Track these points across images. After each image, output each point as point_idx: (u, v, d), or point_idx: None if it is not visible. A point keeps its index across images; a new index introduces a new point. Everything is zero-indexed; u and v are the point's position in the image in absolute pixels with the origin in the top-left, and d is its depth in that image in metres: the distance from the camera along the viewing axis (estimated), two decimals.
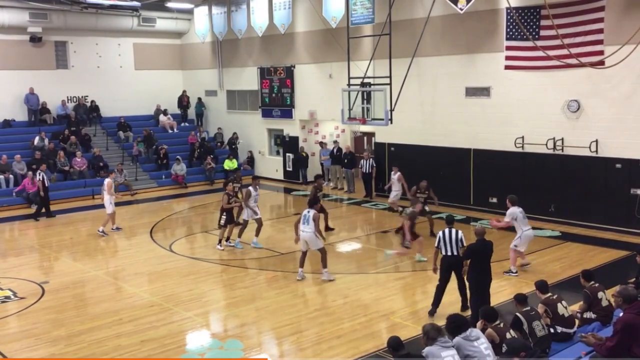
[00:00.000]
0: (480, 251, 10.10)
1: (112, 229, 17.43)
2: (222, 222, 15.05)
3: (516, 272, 12.69)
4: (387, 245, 15.54)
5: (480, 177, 18.53)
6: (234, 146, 26.20)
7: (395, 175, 18.07)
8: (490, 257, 10.27)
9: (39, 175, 19.60)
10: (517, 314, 8.20)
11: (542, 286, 8.93)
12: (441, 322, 7.52)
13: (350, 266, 14.23)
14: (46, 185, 19.65)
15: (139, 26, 26.80)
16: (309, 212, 12.54)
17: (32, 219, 19.37)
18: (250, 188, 15.28)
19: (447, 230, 10.71)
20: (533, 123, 17.15)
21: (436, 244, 10.79)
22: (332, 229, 16.81)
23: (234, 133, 26.40)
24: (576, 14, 15.85)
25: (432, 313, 10.59)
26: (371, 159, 20.71)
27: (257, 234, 15.29)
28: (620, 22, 15.20)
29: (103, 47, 26.71)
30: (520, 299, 8.46)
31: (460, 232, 10.72)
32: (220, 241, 15.19)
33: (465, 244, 10.52)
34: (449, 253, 10.60)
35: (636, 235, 15.25)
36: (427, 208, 15.84)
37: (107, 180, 17.33)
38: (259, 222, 15.32)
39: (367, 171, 20.99)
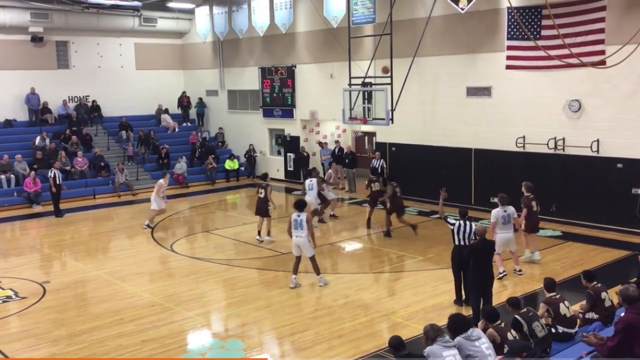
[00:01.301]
0: (481, 251, 10.14)
1: (145, 225, 17.71)
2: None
3: (504, 272, 12.41)
4: (387, 246, 15.53)
5: (481, 177, 18.52)
6: (248, 156, 26.00)
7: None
8: (492, 257, 10.34)
9: (51, 172, 19.69)
10: (516, 316, 8.19)
11: (548, 284, 8.93)
12: (444, 321, 7.53)
13: (351, 266, 14.24)
14: (58, 183, 19.71)
15: (140, 26, 26.80)
16: (299, 216, 12.00)
17: (53, 216, 19.54)
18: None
19: (462, 222, 10.99)
20: (534, 123, 17.15)
21: (450, 227, 11.11)
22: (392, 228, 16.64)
23: (250, 144, 26.08)
24: (577, 13, 15.84)
25: (458, 302, 11.03)
26: (382, 160, 20.68)
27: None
28: (621, 21, 15.19)
29: (104, 47, 26.72)
30: (514, 303, 8.46)
31: (474, 226, 10.94)
32: (259, 232, 15.73)
33: (476, 238, 10.62)
34: (461, 243, 10.88)
35: (637, 235, 15.23)
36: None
37: (159, 181, 17.94)
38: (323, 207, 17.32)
39: (378, 171, 20.87)
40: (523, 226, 13.25)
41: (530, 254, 13.52)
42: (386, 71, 17.90)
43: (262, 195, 15.59)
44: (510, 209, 12.48)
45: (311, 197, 16.79)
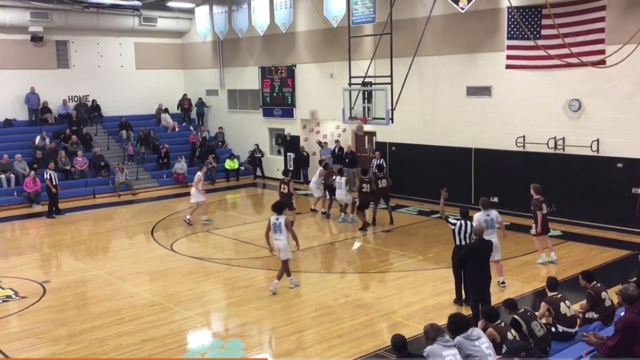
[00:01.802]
0: (479, 250, 10.13)
1: (203, 220, 18.08)
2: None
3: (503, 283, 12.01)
4: (387, 245, 15.52)
5: (481, 177, 18.52)
6: (255, 155, 25.74)
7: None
8: (490, 257, 10.31)
9: (47, 173, 19.68)
10: (515, 316, 8.20)
11: (551, 284, 8.94)
12: (444, 320, 7.52)
13: (351, 266, 14.24)
14: (54, 183, 19.69)
15: (140, 25, 26.80)
16: (277, 219, 11.77)
17: (45, 217, 19.50)
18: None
19: (463, 222, 10.97)
20: (534, 122, 17.14)
21: (452, 227, 11.05)
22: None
23: (256, 144, 25.77)
24: (577, 13, 15.84)
25: (458, 302, 11.00)
26: (382, 159, 20.67)
27: (350, 211, 17.79)
28: (621, 21, 15.18)
29: (104, 47, 26.72)
30: (510, 305, 8.45)
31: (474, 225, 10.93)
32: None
33: (475, 237, 10.58)
34: (462, 243, 10.87)
35: (637, 235, 15.22)
36: None
37: (198, 174, 18.24)
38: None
39: (383, 168, 20.80)
40: (534, 230, 13.07)
41: (547, 257, 13.34)
42: (360, 130, 18.65)
43: (285, 191, 16.14)
44: (493, 213, 11.77)
45: (342, 195, 17.58)
